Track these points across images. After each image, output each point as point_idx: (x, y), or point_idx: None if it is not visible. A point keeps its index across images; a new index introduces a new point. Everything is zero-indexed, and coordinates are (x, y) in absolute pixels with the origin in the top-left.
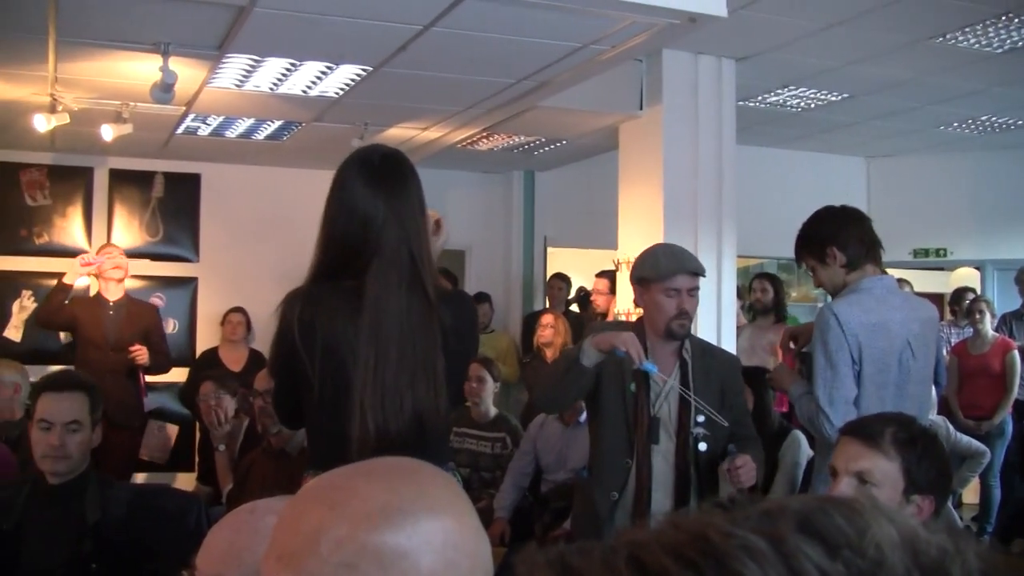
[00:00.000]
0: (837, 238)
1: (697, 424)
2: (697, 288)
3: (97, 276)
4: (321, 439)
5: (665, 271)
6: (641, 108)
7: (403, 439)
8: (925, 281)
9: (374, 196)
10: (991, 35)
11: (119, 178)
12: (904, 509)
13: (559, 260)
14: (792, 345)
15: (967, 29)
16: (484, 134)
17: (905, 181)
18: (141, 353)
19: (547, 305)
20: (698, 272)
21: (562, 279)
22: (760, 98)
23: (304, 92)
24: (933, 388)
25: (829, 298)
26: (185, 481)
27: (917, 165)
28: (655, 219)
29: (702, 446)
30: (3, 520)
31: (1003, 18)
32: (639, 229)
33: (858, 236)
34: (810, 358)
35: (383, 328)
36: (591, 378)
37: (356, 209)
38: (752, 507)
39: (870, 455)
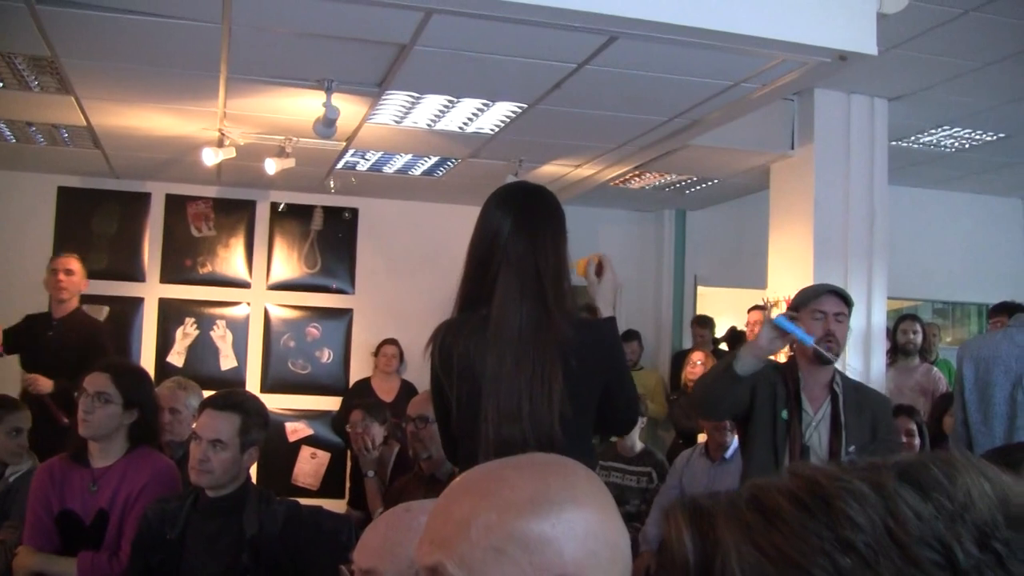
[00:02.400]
0: None
1: (848, 452)
2: (844, 315)
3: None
4: (461, 456)
5: (811, 293)
6: (793, 147)
7: (520, 446)
8: None
9: (504, 212)
10: None
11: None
12: None
13: (708, 299)
14: None
15: None
16: (636, 172)
17: None
18: (33, 383)
19: (692, 346)
20: (845, 297)
21: (703, 324)
22: (913, 138)
23: (460, 128)
24: None
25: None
26: (336, 507)
27: None
28: (805, 259)
29: None
30: (168, 530)
31: None
32: (789, 269)
33: None
34: None
35: (503, 334)
36: (745, 391)
37: (489, 225)
38: (862, 461)
39: None
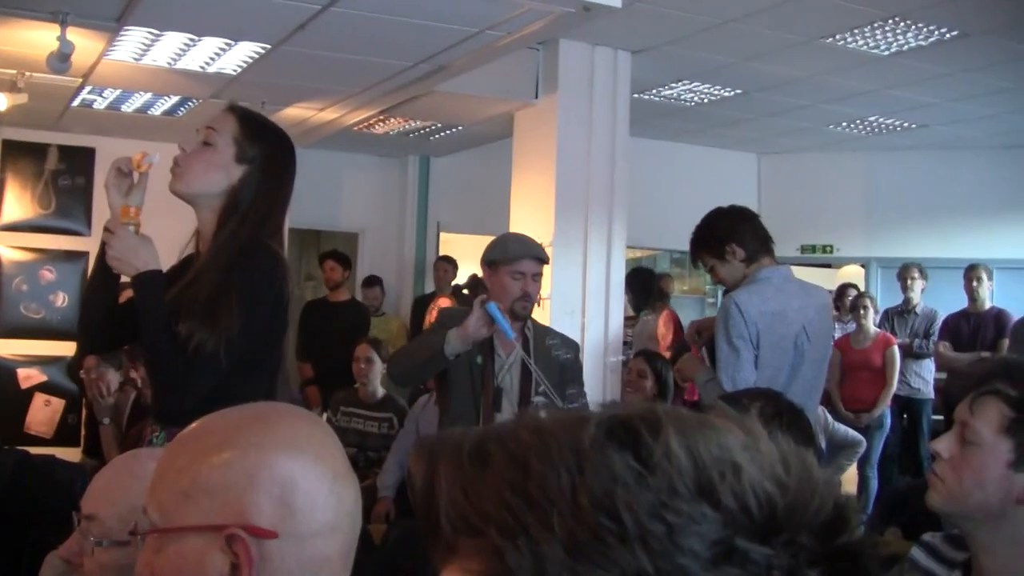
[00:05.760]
0: (735, 234)
1: (538, 394)
2: (540, 274)
3: None
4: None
5: (513, 255)
6: (537, 96)
7: None
8: (811, 277)
9: None
10: (879, 37)
11: (12, 149)
12: None
13: (451, 246)
14: (697, 337)
15: (855, 31)
16: (381, 117)
17: (795, 178)
18: None
19: (435, 287)
20: (543, 259)
21: (448, 261)
22: (655, 91)
23: (202, 68)
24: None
25: (720, 291)
26: (71, 456)
27: (807, 162)
28: (547, 207)
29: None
30: None
31: (890, 21)
32: (531, 216)
33: (752, 231)
34: (713, 346)
35: None
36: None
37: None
38: (573, 413)
39: None
